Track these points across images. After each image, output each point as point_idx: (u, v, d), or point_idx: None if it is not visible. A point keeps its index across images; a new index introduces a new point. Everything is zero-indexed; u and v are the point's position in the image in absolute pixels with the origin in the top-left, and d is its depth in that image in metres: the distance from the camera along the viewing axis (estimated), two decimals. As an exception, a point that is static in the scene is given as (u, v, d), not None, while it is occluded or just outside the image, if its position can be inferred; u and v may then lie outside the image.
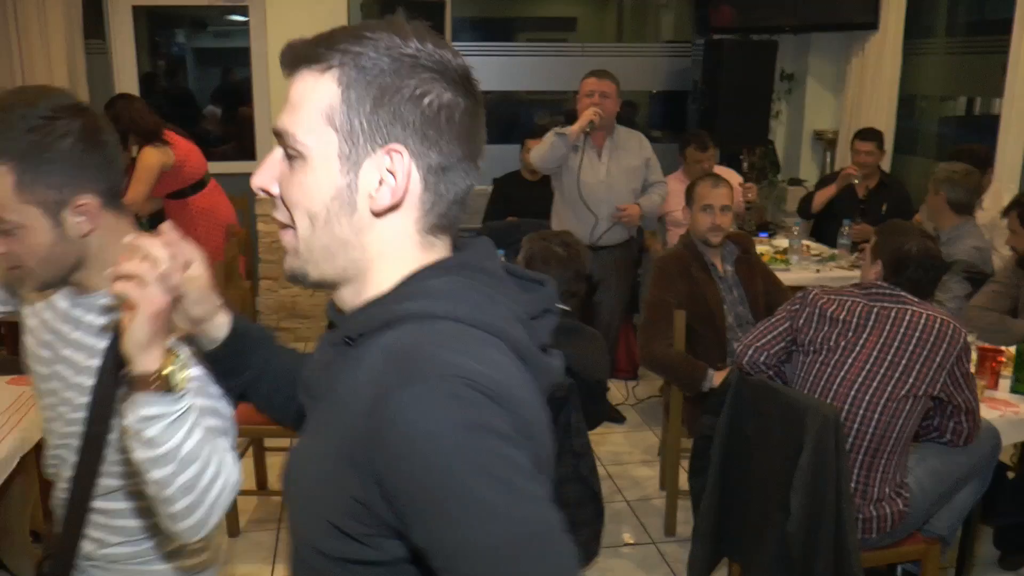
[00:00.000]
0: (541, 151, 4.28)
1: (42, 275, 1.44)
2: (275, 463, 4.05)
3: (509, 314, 0.97)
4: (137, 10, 6.09)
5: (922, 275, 2.67)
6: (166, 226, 1.19)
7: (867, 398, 2.56)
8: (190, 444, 1.23)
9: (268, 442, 3.89)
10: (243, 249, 4.94)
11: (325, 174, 0.97)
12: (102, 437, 1.43)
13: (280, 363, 1.33)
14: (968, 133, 6.11)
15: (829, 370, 2.63)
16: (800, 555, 2.43)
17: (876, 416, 2.55)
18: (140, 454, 1.22)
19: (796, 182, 6.78)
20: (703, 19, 6.54)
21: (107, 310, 1.44)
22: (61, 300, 1.51)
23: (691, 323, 3.46)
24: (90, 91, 5.99)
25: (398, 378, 0.87)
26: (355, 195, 0.97)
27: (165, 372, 1.17)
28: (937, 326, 2.55)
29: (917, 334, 2.55)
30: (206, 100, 6.83)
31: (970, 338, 2.72)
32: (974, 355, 2.98)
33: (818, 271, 4.64)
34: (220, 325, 1.28)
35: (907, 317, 2.58)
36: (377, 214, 0.98)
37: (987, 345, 3.13)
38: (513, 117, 7.30)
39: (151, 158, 4.53)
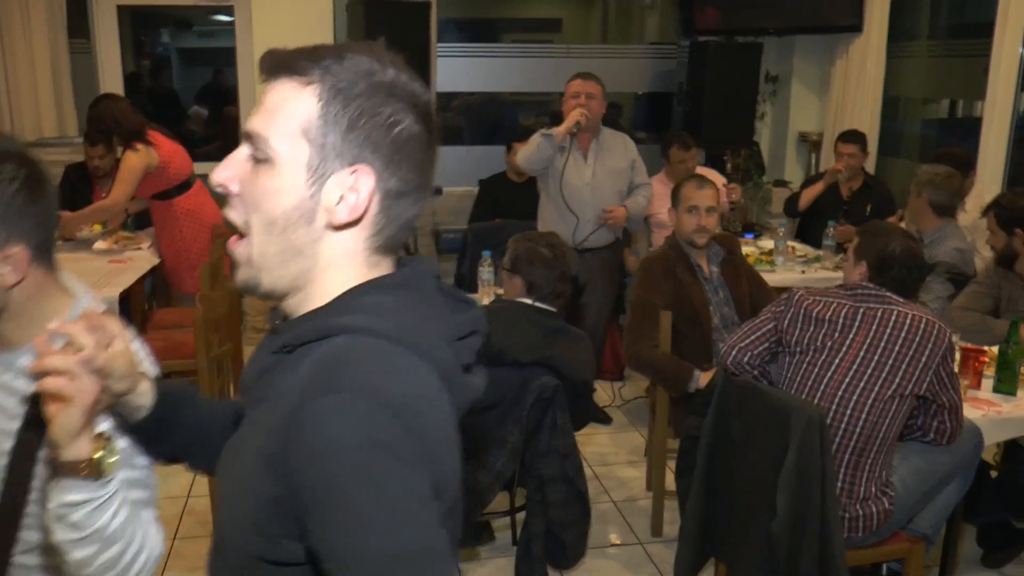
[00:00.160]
0: (527, 152, 4.29)
1: None
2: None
3: (437, 334, 1.02)
4: (121, 9, 6.06)
5: (906, 275, 2.69)
6: (91, 306, 1.17)
7: (854, 398, 2.58)
8: (116, 524, 1.21)
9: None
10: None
11: (291, 182, 1.01)
12: (20, 506, 1.39)
13: (207, 419, 1.32)
14: (951, 135, 6.16)
15: (816, 371, 2.65)
16: (785, 555, 2.45)
17: (863, 416, 2.57)
18: (63, 536, 1.19)
19: (781, 183, 6.81)
20: (688, 21, 6.56)
21: (28, 374, 1.36)
22: None
23: (677, 324, 3.47)
24: (74, 91, 5.97)
25: (318, 387, 0.92)
26: (316, 207, 1.01)
27: (96, 458, 1.15)
28: (923, 326, 2.57)
29: (903, 334, 2.57)
30: (191, 100, 6.81)
31: (953, 338, 2.74)
32: (957, 355, 3.00)
33: (803, 272, 4.65)
34: (144, 393, 1.25)
35: (893, 317, 2.59)
36: (333, 228, 1.02)
37: (970, 345, 3.15)
38: (498, 118, 7.32)
39: (134, 159, 4.51)
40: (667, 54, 7.05)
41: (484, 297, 3.81)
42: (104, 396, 1.15)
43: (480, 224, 5.29)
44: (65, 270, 1.49)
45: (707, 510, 2.75)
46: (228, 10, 6.21)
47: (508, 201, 5.55)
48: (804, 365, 2.68)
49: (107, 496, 1.18)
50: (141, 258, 4.63)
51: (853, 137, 5.31)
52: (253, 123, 1.02)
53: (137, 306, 4.67)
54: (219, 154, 6.45)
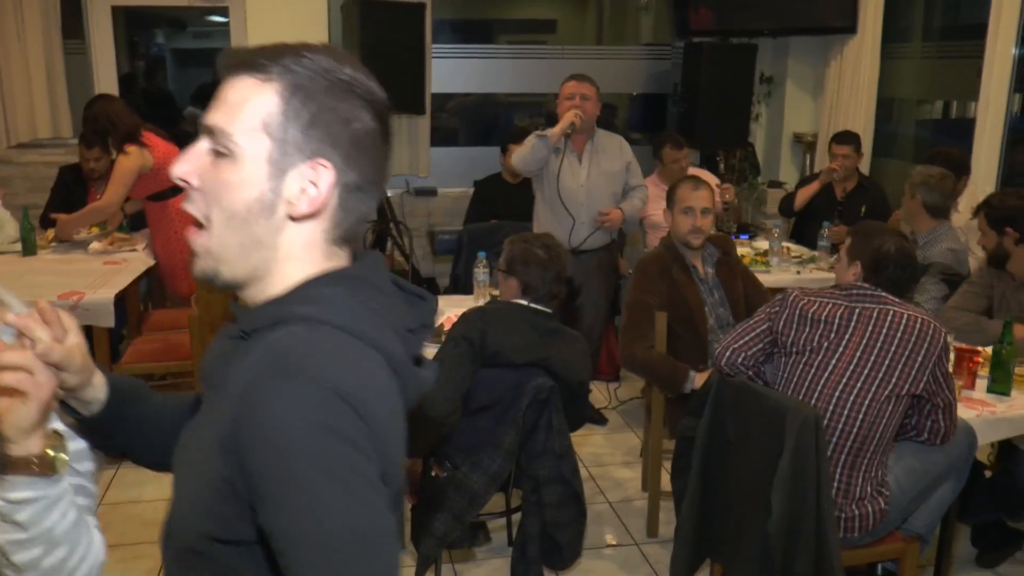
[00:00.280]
0: (522, 153, 4.29)
1: None
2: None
3: (389, 326, 1.05)
4: (116, 10, 6.06)
5: (901, 274, 2.70)
6: (43, 303, 1.17)
7: (851, 399, 2.58)
8: (63, 526, 1.19)
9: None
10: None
11: (252, 175, 1.04)
12: None
13: (159, 412, 1.32)
14: (944, 136, 6.18)
15: (812, 371, 2.65)
16: (781, 555, 2.45)
17: (860, 417, 2.57)
18: (7, 536, 1.17)
19: (776, 184, 6.83)
20: (682, 22, 6.58)
21: None
22: None
23: (672, 325, 3.47)
24: (69, 92, 5.96)
25: (271, 371, 0.95)
26: (277, 199, 1.04)
27: (49, 455, 1.14)
28: (918, 326, 2.58)
29: (899, 334, 2.58)
30: (186, 101, 6.80)
31: (948, 338, 2.75)
32: (952, 355, 3.01)
33: (798, 273, 4.67)
34: (97, 387, 1.25)
35: (889, 318, 2.60)
36: (293, 219, 1.05)
37: (964, 346, 3.16)
38: (493, 119, 7.32)
39: (129, 160, 4.50)
40: (662, 55, 7.06)
41: (480, 298, 3.81)
42: (59, 391, 1.15)
43: (475, 225, 5.29)
44: None
45: (703, 511, 2.75)
46: (223, 11, 6.21)
47: (503, 202, 5.56)
48: (800, 366, 2.68)
49: (56, 496, 1.17)
50: (136, 260, 4.63)
51: (847, 138, 5.33)
52: (214, 118, 1.05)
53: (132, 308, 4.67)
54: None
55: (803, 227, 5.52)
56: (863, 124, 6.07)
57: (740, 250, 4.40)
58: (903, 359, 2.57)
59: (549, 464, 2.81)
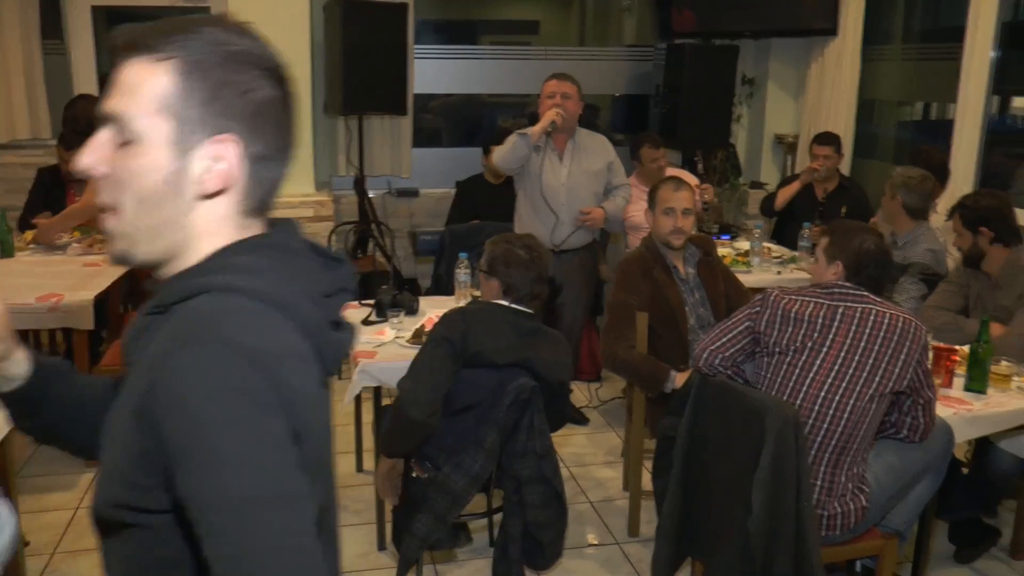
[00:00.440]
0: (503, 151, 4.29)
1: None
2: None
3: (304, 291, 1.06)
4: (96, 10, 6.01)
5: (880, 272, 2.72)
6: None
7: (836, 399, 2.59)
8: None
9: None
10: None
11: (156, 159, 1.03)
12: None
13: (84, 394, 1.32)
14: (924, 138, 6.23)
15: (797, 372, 2.66)
16: (761, 553, 2.46)
17: (845, 416, 2.59)
18: None
19: (757, 185, 6.85)
20: (664, 23, 6.59)
21: None
22: None
23: (653, 325, 3.49)
24: (48, 92, 5.92)
25: (183, 339, 0.95)
26: (183, 179, 1.04)
27: None
28: (900, 325, 2.60)
29: (882, 334, 2.59)
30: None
31: (928, 337, 2.77)
32: (930, 354, 3.04)
33: (779, 273, 4.69)
34: (19, 362, 1.24)
35: (872, 317, 2.62)
36: (203, 197, 1.05)
37: (942, 344, 3.19)
38: (475, 120, 7.32)
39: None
40: (644, 56, 7.08)
41: (461, 299, 3.82)
42: None
43: (457, 226, 5.29)
44: None
45: (684, 510, 2.77)
46: (204, 11, 6.18)
47: (485, 203, 5.56)
48: (784, 366, 2.69)
49: None
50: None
51: (828, 139, 5.36)
52: (111, 104, 1.04)
53: (113, 309, 4.64)
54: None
55: (784, 228, 5.55)
56: (844, 125, 6.11)
57: (721, 250, 4.42)
58: (887, 358, 2.59)
59: (531, 464, 2.81)
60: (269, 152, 1.08)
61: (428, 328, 3.09)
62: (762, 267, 4.78)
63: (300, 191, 5.94)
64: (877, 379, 2.59)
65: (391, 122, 6.32)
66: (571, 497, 3.76)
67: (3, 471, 2.81)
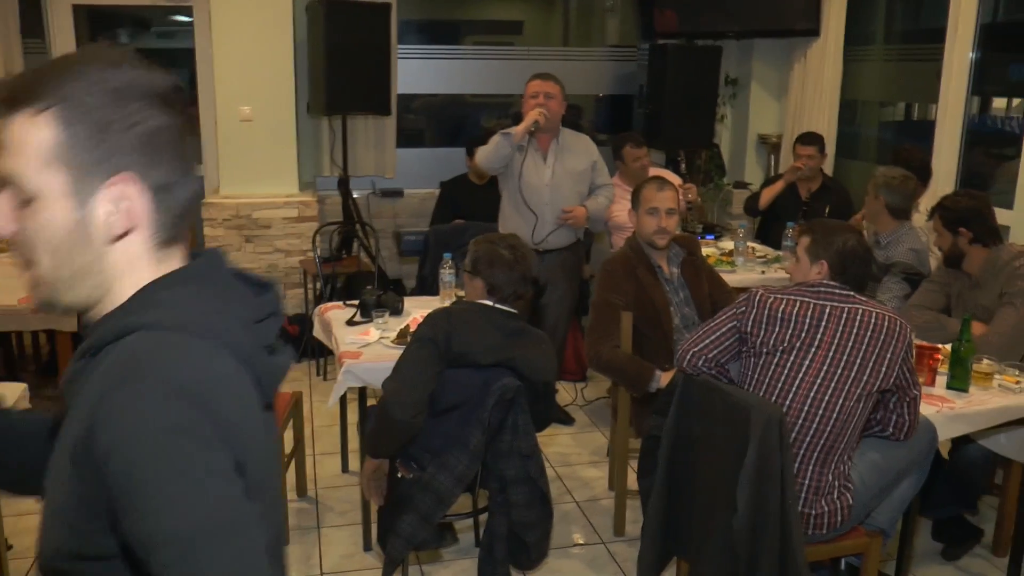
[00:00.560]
0: (486, 151, 4.29)
1: None
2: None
3: (234, 320, 1.06)
4: (77, 9, 5.98)
5: (863, 269, 2.74)
6: None
7: (825, 399, 2.59)
8: None
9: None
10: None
11: (57, 212, 1.02)
12: None
13: (15, 430, 1.30)
14: (907, 138, 6.26)
15: (785, 372, 2.65)
16: (746, 551, 2.47)
17: (834, 416, 2.59)
18: None
19: (741, 185, 6.88)
20: (647, 24, 6.61)
21: None
22: None
23: (638, 325, 3.49)
24: (28, 92, 5.86)
25: (115, 382, 0.95)
26: (89, 226, 1.03)
27: None
28: (886, 324, 2.61)
29: (869, 333, 2.60)
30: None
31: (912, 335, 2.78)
32: (913, 352, 3.05)
33: (763, 272, 4.71)
34: None
35: (858, 316, 2.62)
36: (113, 240, 1.05)
37: (924, 343, 3.21)
38: (459, 120, 7.32)
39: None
40: (627, 57, 7.10)
41: (446, 299, 3.81)
42: None
43: (441, 226, 5.29)
44: None
45: (669, 509, 2.77)
46: (187, 11, 6.15)
47: (469, 203, 5.56)
48: (772, 367, 2.67)
49: None
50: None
51: (811, 139, 5.39)
52: (2, 166, 1.03)
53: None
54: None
55: (768, 227, 5.58)
56: (827, 125, 6.14)
57: (706, 250, 4.44)
58: (873, 357, 2.59)
59: (516, 464, 2.81)
60: (171, 179, 1.06)
61: (413, 328, 3.09)
62: (746, 267, 4.80)
63: (284, 191, 5.92)
64: (864, 378, 2.60)
65: (375, 122, 6.31)
66: (557, 497, 3.76)
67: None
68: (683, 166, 6.06)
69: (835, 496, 2.64)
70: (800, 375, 2.62)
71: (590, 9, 7.47)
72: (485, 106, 7.28)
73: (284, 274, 5.89)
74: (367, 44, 5.44)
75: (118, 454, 0.91)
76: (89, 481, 0.94)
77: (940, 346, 3.24)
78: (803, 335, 2.64)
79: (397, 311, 3.81)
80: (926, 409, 2.86)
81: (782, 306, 2.68)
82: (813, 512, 2.63)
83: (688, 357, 2.80)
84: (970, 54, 5.05)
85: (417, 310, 3.71)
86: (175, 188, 1.07)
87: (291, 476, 3.75)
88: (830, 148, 5.96)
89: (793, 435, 2.60)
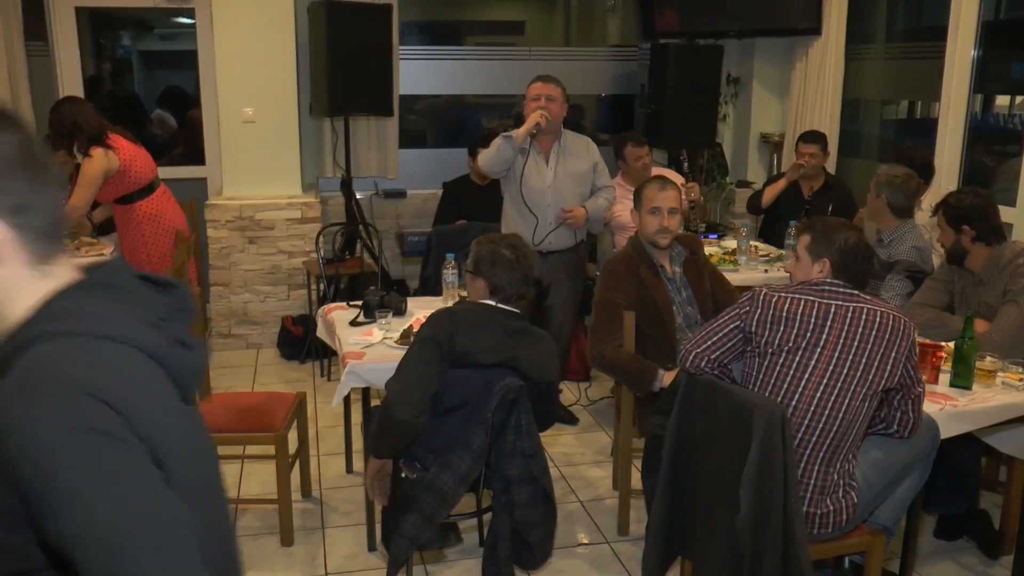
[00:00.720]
0: (488, 154, 4.29)
1: None
2: (227, 471, 4.00)
3: (139, 319, 1.08)
4: (80, 11, 5.99)
5: (864, 266, 2.73)
6: None
7: (832, 399, 2.58)
8: None
9: (221, 450, 3.85)
10: (192, 254, 4.89)
11: None
12: None
13: None
14: (909, 136, 6.26)
15: (791, 372, 2.63)
16: (750, 550, 2.47)
17: (840, 416, 2.58)
18: None
19: (744, 184, 6.88)
20: (648, 24, 6.61)
21: None
22: None
23: (640, 324, 3.49)
24: (32, 94, 5.89)
25: (19, 390, 0.97)
26: None
27: None
28: (891, 323, 2.60)
29: (874, 332, 2.59)
30: (153, 104, 6.74)
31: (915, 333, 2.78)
32: (916, 350, 3.05)
33: (766, 271, 4.71)
34: None
35: (863, 315, 2.61)
36: None
37: (927, 341, 3.21)
38: (461, 121, 7.33)
39: (94, 163, 4.47)
40: (629, 56, 7.10)
41: (449, 299, 3.82)
42: None
43: (444, 227, 5.30)
44: None
45: (673, 508, 2.77)
46: (189, 13, 6.17)
47: (472, 204, 5.56)
48: (778, 367, 2.65)
49: None
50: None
51: (814, 137, 5.39)
52: None
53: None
54: (182, 158, 6.46)
55: (771, 226, 5.58)
56: (829, 124, 6.14)
57: (708, 249, 4.44)
58: (879, 357, 2.59)
59: (519, 464, 2.82)
60: (25, 199, 1.06)
61: (416, 329, 3.09)
62: (749, 265, 4.80)
63: (287, 193, 5.93)
64: (870, 378, 2.59)
65: (377, 123, 6.32)
66: (561, 496, 3.76)
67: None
68: (685, 165, 6.06)
69: (840, 495, 2.64)
70: (806, 375, 2.62)
71: (591, 9, 7.47)
72: (487, 107, 7.28)
73: (287, 275, 5.90)
74: (369, 45, 5.45)
75: (30, 460, 0.92)
76: (10, 495, 0.95)
77: (943, 344, 3.24)
78: (808, 335, 2.63)
79: (400, 312, 3.82)
80: (929, 407, 2.86)
81: (787, 305, 2.66)
82: (819, 511, 2.63)
83: (691, 358, 2.79)
84: (972, 52, 5.05)
85: (420, 310, 3.72)
86: (32, 206, 1.07)
87: (296, 477, 3.75)
88: (832, 147, 5.96)
89: (799, 435, 2.60)
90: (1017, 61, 5.11)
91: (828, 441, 2.61)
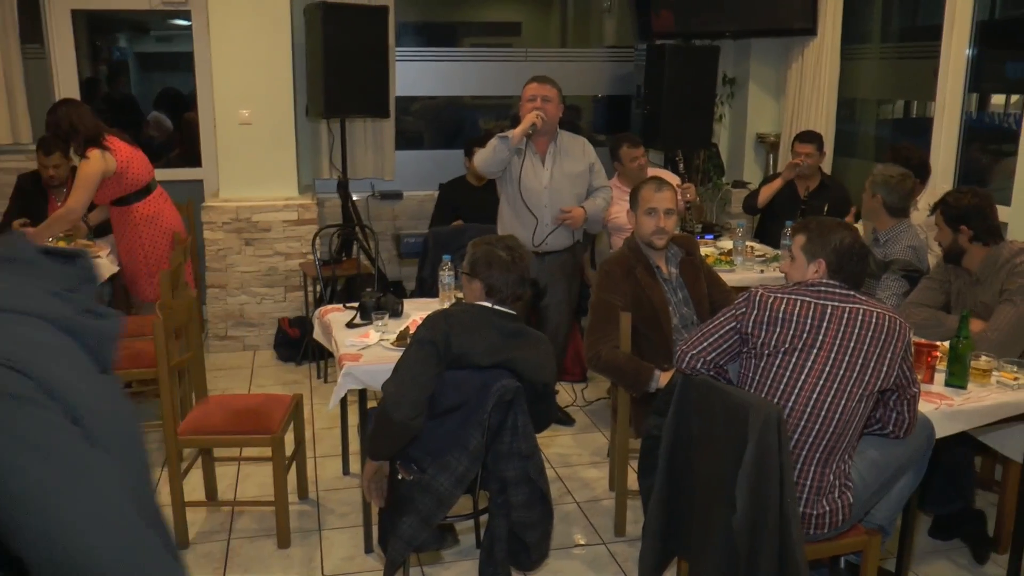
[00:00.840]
0: (484, 155, 4.30)
1: None
2: (224, 473, 4.01)
3: (44, 291, 1.10)
4: (76, 14, 5.99)
5: (860, 266, 2.73)
6: None
7: (828, 400, 2.58)
8: None
9: (217, 452, 3.86)
10: (189, 256, 4.89)
11: None
12: None
13: None
14: (904, 135, 6.27)
15: (788, 374, 2.63)
16: (746, 550, 2.48)
17: (836, 417, 2.58)
18: None
19: (740, 184, 6.89)
20: (644, 24, 6.62)
21: None
22: None
23: (637, 325, 3.50)
24: (28, 96, 5.89)
25: None
26: None
27: None
28: (887, 324, 2.60)
29: (871, 333, 2.59)
30: (149, 106, 6.74)
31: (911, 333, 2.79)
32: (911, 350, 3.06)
33: (762, 271, 4.72)
34: None
35: (859, 316, 2.61)
36: None
37: (923, 340, 3.21)
38: (458, 122, 7.33)
39: (91, 165, 4.47)
40: (625, 57, 7.10)
41: (446, 301, 3.82)
42: None
43: (440, 228, 5.30)
44: None
45: (669, 509, 2.78)
46: (185, 15, 6.17)
47: (468, 205, 5.57)
48: (774, 368, 2.65)
49: None
50: (100, 266, 4.58)
51: (810, 137, 5.39)
52: None
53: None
54: (178, 160, 6.46)
55: (767, 226, 5.58)
56: (824, 124, 6.15)
57: (704, 250, 4.44)
58: (875, 358, 2.59)
59: (516, 465, 2.82)
60: None
61: (413, 330, 3.10)
62: (745, 266, 4.80)
63: (283, 194, 5.93)
64: (867, 379, 2.59)
65: (373, 125, 6.32)
66: (557, 497, 3.77)
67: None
68: (681, 166, 6.07)
69: (836, 495, 2.65)
70: (803, 376, 2.62)
71: (587, 10, 7.47)
72: (483, 108, 7.28)
73: (284, 277, 5.91)
74: (365, 47, 5.46)
75: None
76: None
77: (938, 343, 3.25)
78: (805, 336, 2.63)
79: (397, 313, 3.82)
80: (924, 406, 2.86)
81: (783, 306, 2.66)
82: (815, 512, 2.63)
83: (687, 359, 2.79)
84: (967, 51, 5.07)
85: (417, 312, 3.72)
86: None
87: (292, 479, 3.76)
88: (828, 146, 5.97)
89: (796, 436, 2.60)
90: (1011, 60, 5.12)
91: (824, 442, 2.61)
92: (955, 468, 3.40)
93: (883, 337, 2.59)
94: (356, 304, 3.83)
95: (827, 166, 5.94)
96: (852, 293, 2.67)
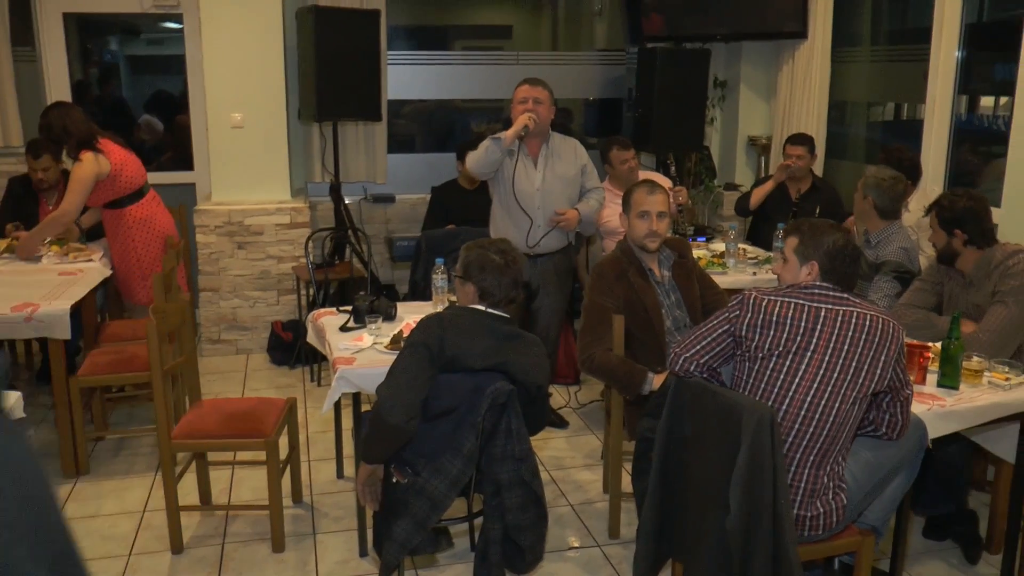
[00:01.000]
0: (476, 156, 4.30)
1: None
2: (218, 478, 4.00)
3: None
4: (67, 17, 5.98)
5: (852, 268, 2.73)
6: None
7: (822, 403, 2.59)
8: None
9: (211, 456, 3.85)
10: (182, 259, 4.88)
11: None
12: None
13: None
14: (895, 137, 6.30)
15: (782, 377, 2.63)
16: (739, 551, 2.48)
17: (830, 420, 2.59)
18: None
19: (732, 187, 6.91)
20: (636, 28, 6.63)
21: None
22: None
23: (630, 328, 3.51)
24: (19, 100, 5.88)
25: None
26: None
27: None
28: (880, 326, 2.61)
29: (864, 336, 2.60)
30: (140, 109, 6.74)
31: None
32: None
33: (754, 274, 4.73)
34: None
35: (853, 319, 2.62)
36: None
37: (915, 341, 3.23)
38: (450, 125, 7.34)
39: (84, 168, 4.46)
40: (616, 60, 7.12)
41: (439, 304, 3.82)
42: None
43: (433, 231, 5.31)
44: None
45: (663, 511, 2.78)
46: (177, 17, 6.16)
47: (461, 208, 5.58)
48: (768, 371, 2.65)
49: None
50: (92, 270, 4.57)
51: (801, 139, 5.42)
52: None
53: (89, 318, 4.61)
54: (170, 163, 6.45)
55: (758, 229, 5.60)
56: (816, 126, 6.18)
57: (697, 252, 4.45)
58: (868, 360, 2.60)
59: (510, 468, 2.82)
60: None
61: (406, 334, 3.10)
62: (737, 268, 4.82)
63: (276, 198, 5.93)
64: (860, 381, 2.60)
65: (366, 128, 6.32)
66: (551, 500, 3.77)
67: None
68: (673, 169, 6.08)
69: (830, 497, 2.66)
70: (796, 379, 2.62)
71: (578, 13, 7.49)
72: (475, 111, 7.29)
73: (277, 280, 5.90)
74: (357, 50, 5.46)
75: None
76: None
77: (930, 344, 3.26)
78: (799, 338, 2.63)
79: (390, 316, 3.82)
80: (916, 407, 2.87)
81: (777, 309, 2.66)
82: (809, 514, 2.64)
83: (680, 362, 2.79)
84: (956, 54, 5.09)
85: (410, 315, 3.72)
86: None
87: (286, 482, 3.75)
88: (819, 149, 5.99)
89: (790, 439, 2.61)
90: (1000, 62, 5.15)
91: (818, 444, 2.62)
92: (949, 469, 3.41)
93: (877, 340, 2.60)
94: (349, 307, 3.84)
95: (818, 168, 5.96)
96: (846, 296, 2.68)
